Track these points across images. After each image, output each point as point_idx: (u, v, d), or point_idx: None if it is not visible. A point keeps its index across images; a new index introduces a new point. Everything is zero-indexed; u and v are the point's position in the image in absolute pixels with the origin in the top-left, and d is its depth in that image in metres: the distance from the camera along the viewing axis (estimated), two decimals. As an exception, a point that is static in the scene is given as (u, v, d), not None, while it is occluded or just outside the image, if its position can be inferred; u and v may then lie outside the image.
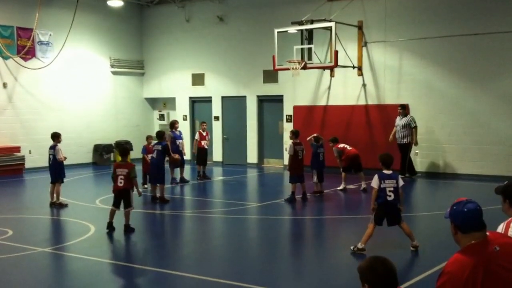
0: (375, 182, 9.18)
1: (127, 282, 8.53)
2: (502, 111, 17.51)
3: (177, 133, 17.61)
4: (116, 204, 11.18)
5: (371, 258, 3.63)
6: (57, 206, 13.81)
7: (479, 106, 17.87)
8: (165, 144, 14.90)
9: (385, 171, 9.25)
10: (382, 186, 9.12)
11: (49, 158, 14.07)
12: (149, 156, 16.53)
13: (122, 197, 11.11)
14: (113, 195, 11.34)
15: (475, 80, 17.89)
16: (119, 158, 12.47)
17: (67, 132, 20.69)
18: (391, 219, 9.27)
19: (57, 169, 13.94)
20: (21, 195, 17.40)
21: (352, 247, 9.28)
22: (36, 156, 20.91)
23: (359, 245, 9.17)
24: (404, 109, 18.08)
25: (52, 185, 14.01)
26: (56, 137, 14.06)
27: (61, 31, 21.39)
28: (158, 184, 14.55)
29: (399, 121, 18.06)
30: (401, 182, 9.26)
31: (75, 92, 22.77)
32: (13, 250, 9.80)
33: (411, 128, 17.87)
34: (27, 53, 21.06)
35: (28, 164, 20.77)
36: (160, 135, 14.98)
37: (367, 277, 3.54)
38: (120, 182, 11.02)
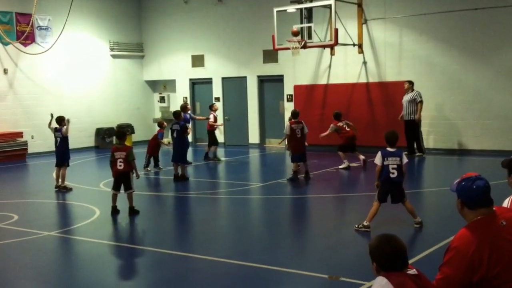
0: (378, 159, 9.20)
1: (133, 264, 8.59)
2: (504, 86, 17.47)
3: (187, 116, 17.77)
4: (116, 187, 11.22)
5: (379, 237, 3.64)
6: (62, 190, 13.90)
7: (481, 81, 17.82)
8: (183, 124, 15.29)
9: (389, 149, 9.26)
10: (385, 163, 9.13)
11: (56, 141, 14.15)
12: (164, 139, 16.88)
13: (122, 180, 11.15)
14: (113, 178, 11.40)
15: (476, 55, 17.83)
16: (129, 142, 12.52)
17: (68, 116, 20.39)
18: (395, 196, 9.30)
19: (63, 152, 14.04)
20: (25, 180, 17.47)
21: (356, 225, 9.34)
22: (39, 141, 20.94)
23: (364, 223, 9.22)
24: (410, 85, 17.96)
25: (57, 168, 14.09)
26: (62, 120, 14.20)
27: (60, 16, 21.27)
28: (180, 164, 15.02)
29: (406, 97, 17.96)
30: (405, 160, 9.26)
31: (75, 76, 22.72)
32: (19, 234, 9.85)
33: (416, 104, 17.75)
34: (27, 38, 21.00)
35: (31, 149, 20.81)
36: (177, 114, 15.40)
37: (374, 256, 3.58)
38: (120, 165, 11.05)
